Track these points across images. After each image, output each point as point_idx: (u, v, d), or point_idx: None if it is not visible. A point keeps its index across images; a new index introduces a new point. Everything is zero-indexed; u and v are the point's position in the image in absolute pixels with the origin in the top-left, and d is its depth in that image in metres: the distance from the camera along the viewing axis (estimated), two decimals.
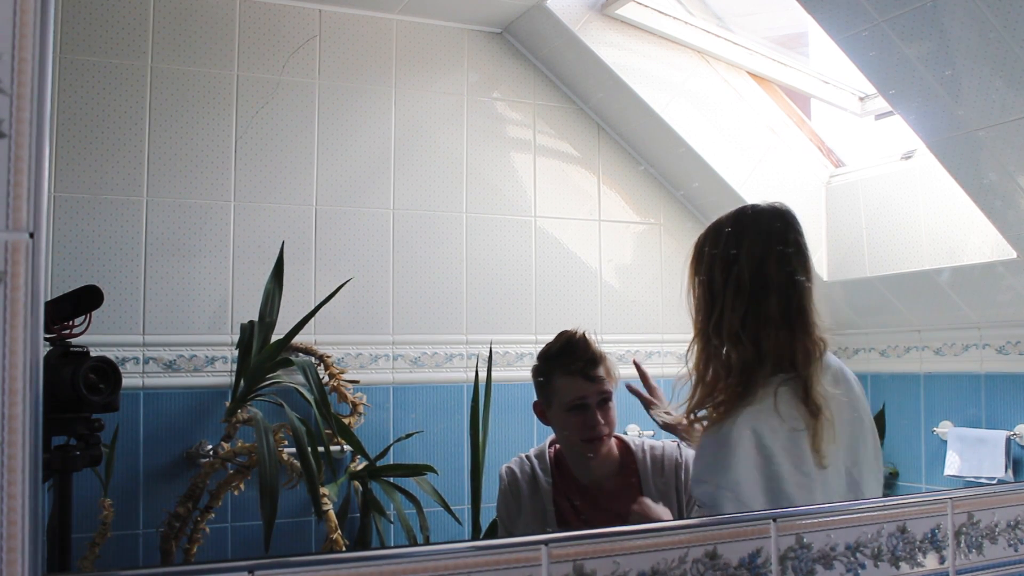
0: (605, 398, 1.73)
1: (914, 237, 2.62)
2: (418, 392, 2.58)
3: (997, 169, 2.20)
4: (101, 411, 1.58)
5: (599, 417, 1.72)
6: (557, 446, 1.82)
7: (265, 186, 2.44)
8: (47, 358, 1.53)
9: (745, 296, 1.29)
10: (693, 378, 1.33)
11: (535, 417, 1.85)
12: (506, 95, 2.79)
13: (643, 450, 1.79)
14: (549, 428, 1.86)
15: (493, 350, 2.58)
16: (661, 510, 1.57)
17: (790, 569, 0.95)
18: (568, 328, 1.81)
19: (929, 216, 2.58)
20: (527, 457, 1.82)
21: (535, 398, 1.82)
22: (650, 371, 1.90)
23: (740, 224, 1.35)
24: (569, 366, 1.74)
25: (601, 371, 1.74)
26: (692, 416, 1.33)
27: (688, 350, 1.35)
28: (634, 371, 2.84)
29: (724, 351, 1.29)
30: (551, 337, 1.84)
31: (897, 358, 2.84)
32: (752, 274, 1.29)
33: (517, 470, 1.80)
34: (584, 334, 1.77)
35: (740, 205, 1.40)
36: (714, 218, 1.41)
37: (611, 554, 0.85)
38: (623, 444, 1.80)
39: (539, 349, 1.85)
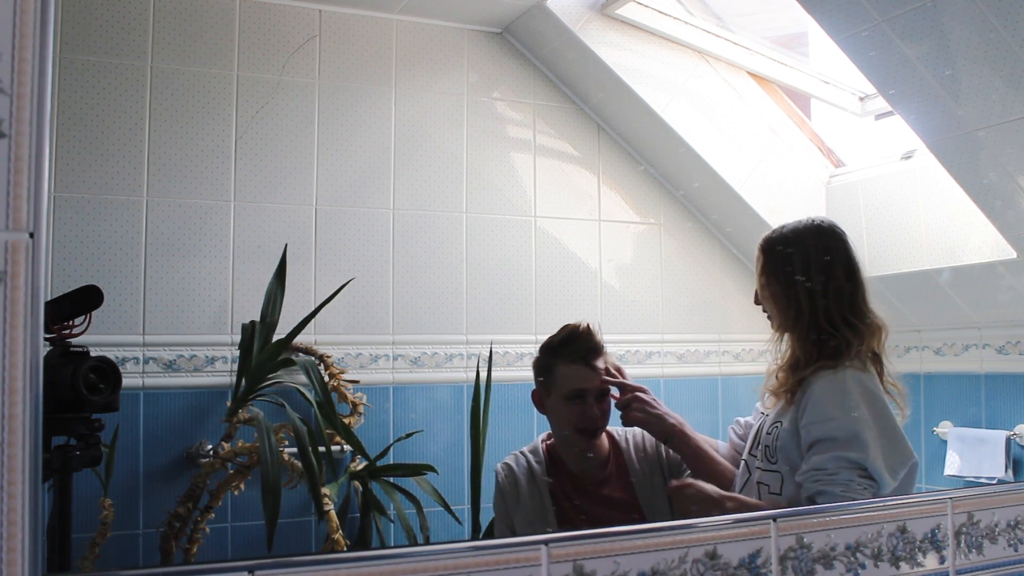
0: (603, 391, 1.76)
1: (914, 237, 2.62)
2: (418, 392, 2.58)
3: (997, 169, 2.20)
4: (101, 411, 1.58)
5: (596, 409, 1.74)
6: (550, 441, 1.84)
7: (265, 186, 2.44)
8: (47, 358, 1.53)
9: (847, 289, 1.57)
10: (797, 359, 1.56)
11: (535, 417, 1.85)
12: (506, 95, 2.79)
13: (626, 439, 1.83)
14: (548, 426, 1.86)
15: (493, 350, 2.58)
16: (711, 488, 1.63)
17: (790, 569, 0.95)
18: (571, 322, 1.83)
19: (929, 216, 2.58)
20: (522, 453, 1.83)
21: (533, 389, 1.84)
22: (650, 371, 1.92)
23: (821, 234, 1.62)
24: (571, 355, 1.76)
25: (601, 363, 1.76)
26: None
27: (779, 339, 1.61)
28: (634, 371, 2.84)
29: (829, 333, 1.55)
30: None
31: (897, 358, 2.83)
32: (847, 275, 1.58)
33: (514, 465, 1.81)
34: (588, 325, 1.80)
35: (798, 218, 1.70)
36: (713, 216, 1.55)
37: (611, 554, 0.85)
38: (608, 436, 1.83)
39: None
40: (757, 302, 1.67)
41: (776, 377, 1.60)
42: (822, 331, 1.54)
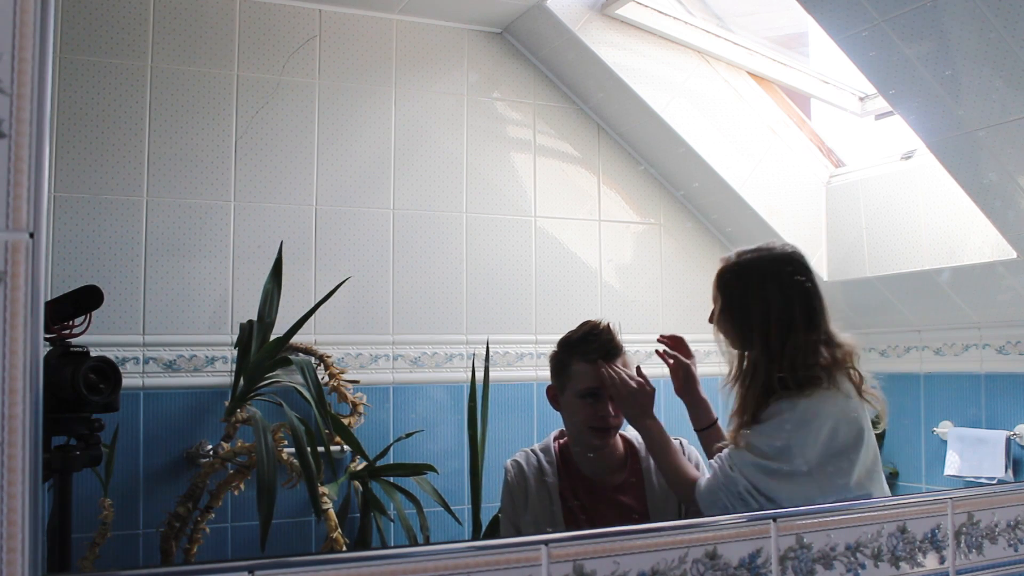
0: None
1: (914, 237, 2.62)
2: (418, 392, 2.58)
3: (997, 169, 2.20)
4: (101, 411, 1.58)
5: (610, 408, 1.73)
6: (562, 440, 1.82)
7: (265, 186, 2.44)
8: (47, 358, 1.53)
9: (816, 320, 1.59)
10: (765, 385, 1.56)
11: (535, 417, 1.85)
12: (506, 95, 2.79)
13: (646, 448, 1.79)
14: (549, 426, 1.86)
15: (494, 350, 2.58)
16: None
17: (790, 569, 0.95)
18: (592, 319, 1.82)
19: (929, 216, 2.58)
20: (533, 451, 1.82)
21: (548, 385, 1.83)
22: (650, 372, 1.90)
23: (787, 261, 1.62)
24: (589, 353, 1.75)
25: (619, 363, 1.74)
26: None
27: (739, 356, 1.61)
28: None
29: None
30: (552, 337, 1.84)
31: (897, 358, 2.84)
32: (816, 305, 1.60)
33: (524, 463, 1.80)
34: (608, 325, 1.79)
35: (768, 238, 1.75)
36: (713, 216, 1.54)
37: (611, 554, 0.85)
38: (627, 442, 1.81)
39: (540, 349, 1.86)
40: (711, 321, 1.66)
41: (740, 398, 1.58)
42: (795, 364, 1.53)
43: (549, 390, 1.82)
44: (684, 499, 1.61)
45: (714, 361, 3.13)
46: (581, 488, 1.77)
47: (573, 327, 1.82)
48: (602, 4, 2.63)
